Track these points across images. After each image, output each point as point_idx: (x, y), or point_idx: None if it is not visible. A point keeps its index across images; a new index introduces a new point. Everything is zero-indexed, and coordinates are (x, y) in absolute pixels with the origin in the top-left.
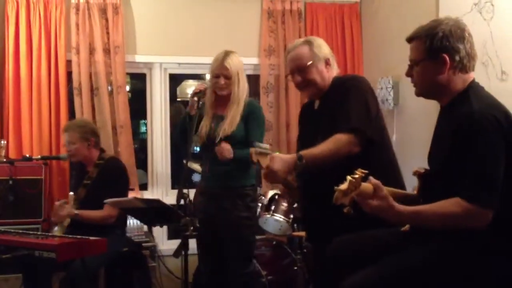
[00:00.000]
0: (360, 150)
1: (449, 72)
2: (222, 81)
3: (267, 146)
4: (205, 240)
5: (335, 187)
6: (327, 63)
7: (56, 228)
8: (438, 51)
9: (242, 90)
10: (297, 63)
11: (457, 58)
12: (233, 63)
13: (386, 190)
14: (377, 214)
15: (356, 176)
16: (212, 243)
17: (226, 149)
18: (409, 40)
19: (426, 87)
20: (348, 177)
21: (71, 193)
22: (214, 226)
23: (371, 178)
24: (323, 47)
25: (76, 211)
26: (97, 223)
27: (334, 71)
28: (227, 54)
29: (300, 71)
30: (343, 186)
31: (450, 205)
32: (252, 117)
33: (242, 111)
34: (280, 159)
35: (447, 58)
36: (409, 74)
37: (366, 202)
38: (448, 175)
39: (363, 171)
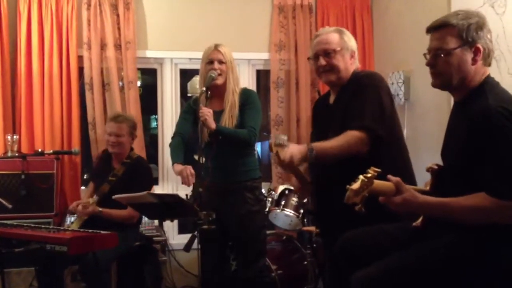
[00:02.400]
0: (371, 148)
1: (478, 63)
2: (216, 66)
3: (285, 137)
4: (212, 236)
5: (347, 186)
6: (352, 55)
7: (72, 219)
8: (474, 40)
9: (237, 79)
10: (325, 46)
11: (486, 50)
12: (226, 51)
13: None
14: (403, 208)
15: (369, 175)
16: (220, 240)
17: (207, 111)
18: (436, 27)
19: (453, 77)
20: (361, 176)
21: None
22: (224, 222)
23: (390, 176)
24: (352, 40)
25: (100, 209)
26: (118, 221)
27: (355, 66)
28: (218, 43)
29: (326, 55)
30: (355, 185)
31: (479, 199)
32: (248, 103)
33: (238, 101)
34: (294, 146)
35: (481, 48)
36: (431, 63)
37: (391, 200)
38: (463, 170)
39: (375, 169)
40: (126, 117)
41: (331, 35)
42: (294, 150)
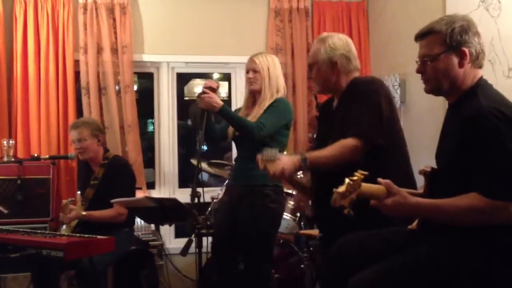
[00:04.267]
0: (370, 155)
1: (466, 66)
2: (251, 74)
3: (275, 152)
4: (223, 239)
5: (334, 189)
6: (333, 65)
7: (64, 227)
8: (459, 44)
9: (273, 86)
10: (308, 60)
11: (474, 52)
12: (262, 58)
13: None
14: (394, 211)
15: (355, 178)
16: (229, 244)
17: (208, 96)
18: (422, 35)
19: (443, 82)
20: (346, 179)
21: (78, 192)
22: (233, 225)
23: (380, 179)
24: (335, 48)
25: (84, 213)
26: (107, 222)
27: (349, 72)
28: (257, 53)
29: (309, 69)
30: (341, 188)
31: (470, 200)
32: (271, 107)
33: (267, 106)
34: (286, 158)
35: (467, 52)
36: (421, 70)
37: (382, 203)
38: (456, 172)
39: (362, 172)
40: (85, 121)
41: (314, 47)
42: (285, 162)
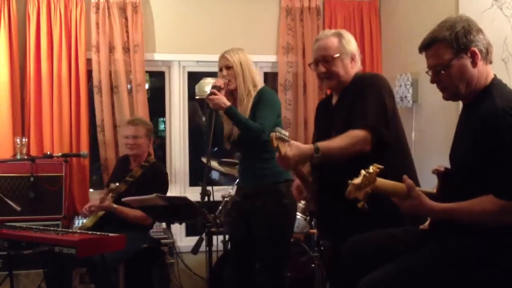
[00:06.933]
0: (373, 149)
1: (479, 64)
2: (224, 72)
3: (287, 133)
4: (238, 240)
5: (349, 181)
6: (352, 58)
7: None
8: (466, 46)
9: (248, 82)
10: (324, 53)
11: (483, 49)
12: (234, 54)
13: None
14: (411, 212)
15: (371, 171)
16: (244, 244)
17: (216, 97)
18: (426, 46)
19: (460, 86)
20: (362, 171)
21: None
22: (248, 226)
23: (405, 177)
24: (351, 43)
25: (115, 205)
26: (130, 221)
27: (356, 68)
28: (227, 50)
29: (325, 62)
30: (357, 180)
31: (485, 202)
32: (258, 102)
33: (252, 102)
34: (296, 147)
35: (477, 51)
36: (435, 80)
37: (401, 202)
38: (470, 173)
39: (378, 166)
40: (143, 121)
41: (330, 40)
42: (294, 149)
